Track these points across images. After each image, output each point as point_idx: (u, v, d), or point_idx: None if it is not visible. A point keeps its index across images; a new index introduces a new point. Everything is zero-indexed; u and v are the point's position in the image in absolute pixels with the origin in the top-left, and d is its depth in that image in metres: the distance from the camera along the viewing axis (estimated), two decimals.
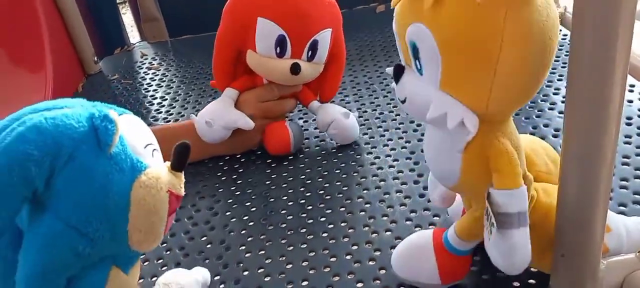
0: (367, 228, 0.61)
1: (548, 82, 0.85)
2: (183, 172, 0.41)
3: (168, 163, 0.41)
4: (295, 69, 0.70)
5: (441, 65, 0.39)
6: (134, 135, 0.38)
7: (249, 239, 0.63)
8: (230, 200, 0.71)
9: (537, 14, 0.37)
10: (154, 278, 0.62)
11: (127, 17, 1.42)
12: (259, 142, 0.79)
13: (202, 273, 0.53)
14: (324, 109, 0.77)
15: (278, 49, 0.70)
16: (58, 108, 0.36)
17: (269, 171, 0.75)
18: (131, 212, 0.37)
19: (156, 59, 1.22)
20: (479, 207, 0.45)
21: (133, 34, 1.40)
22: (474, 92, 0.39)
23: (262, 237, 0.63)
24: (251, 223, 0.66)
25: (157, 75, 1.14)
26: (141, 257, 0.44)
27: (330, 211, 0.65)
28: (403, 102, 0.43)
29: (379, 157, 0.74)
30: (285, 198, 0.69)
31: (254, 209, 0.68)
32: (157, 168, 0.39)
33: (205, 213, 0.69)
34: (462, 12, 0.37)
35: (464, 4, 0.37)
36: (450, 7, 0.37)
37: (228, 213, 0.68)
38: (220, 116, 0.73)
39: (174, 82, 1.10)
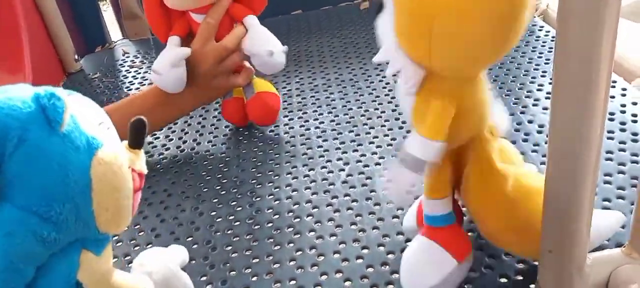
0: (354, 226, 0.61)
1: (531, 77, 0.85)
2: (142, 149, 0.40)
3: (125, 141, 0.40)
4: None
5: (394, 15, 0.42)
6: (85, 113, 0.37)
7: (235, 239, 0.62)
8: (216, 200, 0.70)
9: None
10: (127, 257, 0.62)
11: (109, 15, 1.40)
12: (228, 86, 0.80)
13: (179, 252, 0.51)
14: (251, 37, 0.75)
15: None
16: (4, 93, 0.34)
17: (254, 169, 0.75)
18: (94, 190, 0.35)
19: (138, 57, 1.20)
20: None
21: (114, 32, 1.38)
22: (416, 47, 0.41)
23: (248, 236, 0.62)
24: (237, 223, 0.65)
25: (139, 72, 1.12)
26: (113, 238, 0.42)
27: (316, 209, 0.65)
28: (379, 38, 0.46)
29: (365, 155, 0.74)
30: (270, 196, 0.68)
31: (239, 208, 0.67)
32: (114, 145, 0.37)
33: (191, 214, 0.68)
34: None
35: None
36: None
37: (213, 213, 0.68)
38: (163, 58, 0.74)
39: None
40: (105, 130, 0.38)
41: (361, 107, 0.86)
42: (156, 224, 0.68)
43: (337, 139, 0.79)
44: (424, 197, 0.50)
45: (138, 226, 0.68)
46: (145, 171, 0.40)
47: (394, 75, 0.44)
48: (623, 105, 0.73)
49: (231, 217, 0.66)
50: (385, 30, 0.44)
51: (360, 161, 0.72)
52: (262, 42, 0.75)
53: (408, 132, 0.76)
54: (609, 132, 0.68)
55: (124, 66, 1.17)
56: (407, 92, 0.44)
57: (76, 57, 1.18)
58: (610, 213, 0.51)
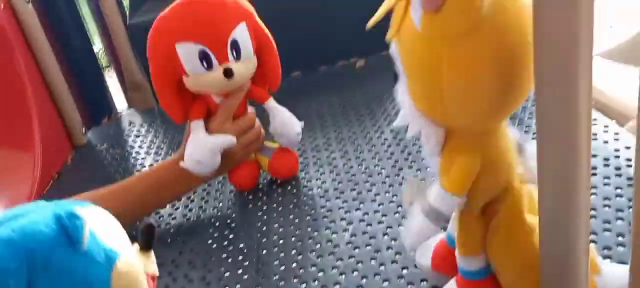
0: None
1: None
2: (152, 250, 0.42)
3: (136, 245, 0.42)
4: (227, 73, 0.74)
5: (406, 82, 0.44)
6: (100, 224, 0.39)
7: None
8: (222, 268, 0.71)
9: (483, 43, 0.39)
10: None
11: (113, 81, 1.44)
12: (246, 157, 0.85)
13: None
14: (279, 119, 0.83)
15: (204, 63, 0.74)
16: (21, 216, 0.36)
17: (259, 235, 0.76)
18: None
19: (144, 126, 1.23)
20: (470, 209, 0.48)
21: (119, 100, 1.42)
22: (431, 108, 0.44)
23: None
24: (245, 277, 0.67)
25: (146, 142, 1.15)
26: None
27: (322, 273, 0.66)
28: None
29: (368, 213, 0.75)
30: (276, 262, 0.69)
31: (246, 276, 0.68)
32: (129, 253, 0.39)
33: (198, 284, 0.70)
34: (409, 40, 0.42)
35: (411, 33, 0.41)
36: (405, 34, 0.42)
37: (221, 281, 0.69)
38: (203, 148, 0.76)
39: (162, 148, 1.11)
40: (119, 237, 0.40)
41: (361, 165, 0.87)
42: (168, 282, 0.69)
43: (339, 198, 0.80)
44: (457, 253, 0.51)
45: None
46: (157, 273, 0.42)
47: (414, 136, 0.46)
48: (617, 150, 0.74)
49: (238, 285, 0.67)
50: (403, 96, 0.46)
51: (363, 220, 0.74)
52: (291, 125, 0.83)
53: None
54: (605, 177, 0.69)
55: (131, 136, 1.20)
56: (431, 152, 0.46)
57: (83, 129, 1.22)
58: (619, 266, 0.52)
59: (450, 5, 0.37)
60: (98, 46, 1.63)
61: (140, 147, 1.14)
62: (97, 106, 1.34)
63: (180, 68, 0.75)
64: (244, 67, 0.77)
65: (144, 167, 1.05)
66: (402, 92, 0.46)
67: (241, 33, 0.76)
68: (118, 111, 1.35)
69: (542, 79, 0.36)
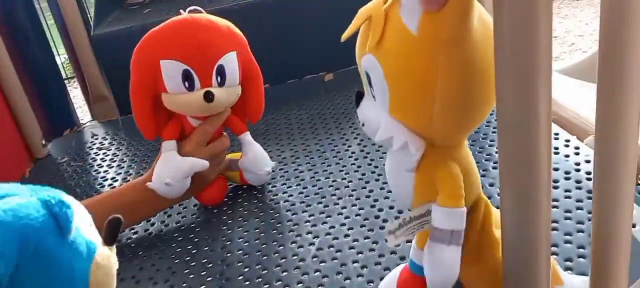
0: None
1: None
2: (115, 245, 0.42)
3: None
4: (208, 97, 0.73)
5: (388, 93, 0.43)
6: (80, 214, 0.38)
7: None
8: (185, 284, 0.69)
9: (474, 50, 0.40)
10: None
11: (77, 92, 1.40)
12: (211, 179, 0.83)
13: None
14: (253, 157, 0.83)
15: (186, 83, 0.73)
16: (8, 196, 0.35)
17: (223, 249, 0.74)
18: None
19: (107, 138, 1.20)
20: None
21: (84, 112, 1.39)
22: (417, 118, 0.43)
23: None
24: None
25: (108, 155, 1.12)
26: None
27: (287, 287, 0.64)
28: (363, 125, 0.48)
29: (334, 227, 0.74)
30: (240, 277, 0.68)
31: (210, 279, 0.67)
32: (103, 247, 0.39)
33: (162, 286, 0.68)
34: (401, 47, 0.41)
35: (403, 39, 0.41)
36: (391, 41, 0.41)
37: (184, 285, 0.68)
38: (175, 171, 0.74)
39: (125, 161, 1.08)
40: (94, 230, 0.39)
41: (329, 178, 0.87)
42: None
43: (306, 211, 0.79)
44: (416, 248, 0.51)
45: None
46: (116, 266, 0.41)
47: (399, 149, 0.45)
48: (577, 164, 0.76)
49: None
50: (372, 115, 0.46)
51: (329, 234, 0.73)
52: (262, 164, 0.83)
53: (376, 201, 0.78)
54: (566, 190, 0.71)
55: (93, 149, 1.17)
56: (410, 167, 0.45)
57: (43, 141, 1.18)
58: (579, 278, 0.52)
59: (450, 8, 0.38)
60: (64, 57, 1.59)
61: (102, 160, 1.10)
62: (59, 118, 1.30)
63: (160, 85, 0.73)
64: (226, 94, 0.76)
65: (106, 180, 1.02)
66: (371, 110, 0.46)
67: (230, 61, 0.75)
68: (81, 123, 1.32)
69: (502, 93, 0.37)
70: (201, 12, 0.76)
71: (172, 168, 0.75)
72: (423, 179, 0.46)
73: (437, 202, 0.45)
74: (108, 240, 0.40)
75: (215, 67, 0.74)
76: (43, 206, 0.35)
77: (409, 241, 0.51)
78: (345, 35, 0.46)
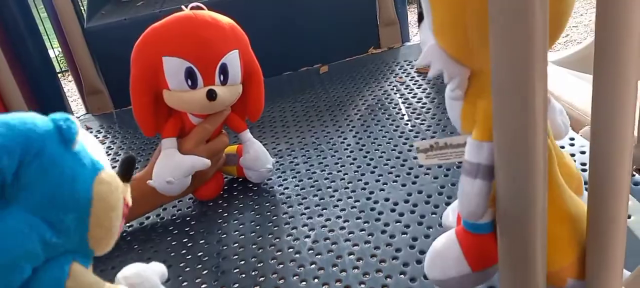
0: None
1: None
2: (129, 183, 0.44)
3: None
4: (211, 95, 0.72)
5: (431, 14, 0.42)
6: (88, 139, 0.41)
7: None
8: (180, 277, 0.69)
9: None
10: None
11: (73, 87, 1.40)
12: (209, 177, 0.83)
13: (160, 267, 0.52)
14: (253, 154, 0.82)
15: (189, 81, 0.72)
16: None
17: (218, 243, 0.74)
18: (93, 206, 0.38)
19: (101, 132, 1.20)
20: None
21: (78, 105, 1.38)
22: (455, 42, 0.42)
23: None
24: (204, 285, 0.66)
25: (103, 148, 1.11)
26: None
27: (283, 280, 0.64)
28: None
29: (330, 219, 0.74)
30: (236, 271, 0.68)
31: (204, 285, 0.66)
32: (112, 171, 0.41)
33: None
34: None
35: None
36: None
37: (180, 278, 0.68)
38: (176, 169, 0.74)
39: (120, 154, 1.08)
40: (104, 157, 0.41)
41: (324, 171, 0.87)
42: None
43: (301, 204, 0.79)
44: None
45: None
46: (130, 203, 0.43)
47: (436, 77, 0.44)
48: (572, 155, 0.76)
49: (197, 280, 0.66)
50: (425, 36, 0.45)
51: (325, 226, 0.73)
52: (263, 161, 0.83)
53: (371, 193, 0.78)
54: None
55: None
56: (453, 95, 0.44)
57: None
58: None
59: None
60: (57, 50, 1.58)
61: None
62: (53, 111, 1.28)
63: (162, 81, 0.72)
64: (229, 92, 0.76)
65: None
66: (426, 30, 0.44)
67: (232, 59, 0.75)
68: (76, 116, 1.31)
69: (498, 84, 0.36)
70: (203, 9, 0.75)
71: (173, 166, 0.74)
72: (467, 109, 0.45)
73: (472, 134, 0.44)
74: (122, 176, 0.42)
75: (219, 65, 0.73)
76: (50, 120, 0.37)
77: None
78: None
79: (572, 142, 0.79)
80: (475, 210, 0.44)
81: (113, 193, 0.40)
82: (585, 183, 0.69)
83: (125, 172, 0.43)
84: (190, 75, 0.72)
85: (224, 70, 0.74)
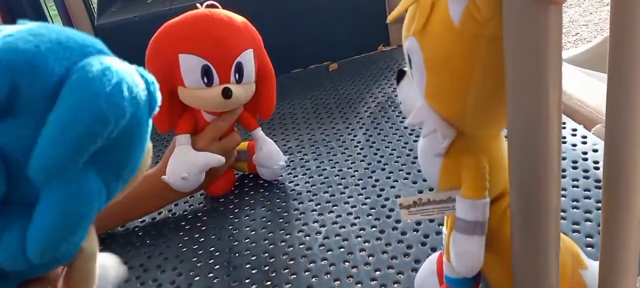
0: None
1: None
2: None
3: None
4: (226, 93, 0.73)
5: (426, 79, 0.43)
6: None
7: None
8: (192, 272, 0.69)
9: None
10: None
11: None
12: (221, 173, 0.83)
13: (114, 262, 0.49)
14: (266, 152, 0.83)
15: (205, 78, 0.73)
16: (104, 53, 0.33)
17: (230, 238, 0.75)
18: (136, 174, 0.36)
19: None
20: None
21: None
22: (450, 107, 0.43)
23: None
24: (216, 280, 0.66)
25: None
26: None
27: (294, 276, 0.65)
28: (400, 103, 0.48)
29: (340, 216, 0.74)
30: (248, 266, 0.68)
31: (216, 280, 0.67)
32: None
33: (170, 274, 0.69)
34: (444, 35, 0.40)
35: (446, 29, 0.40)
36: (436, 28, 0.41)
37: (192, 273, 0.68)
38: (191, 165, 0.74)
39: None
40: None
41: (335, 168, 0.87)
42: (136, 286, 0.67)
43: (312, 200, 0.79)
44: (445, 259, 0.50)
45: None
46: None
47: (426, 135, 0.45)
48: (585, 153, 0.76)
49: (210, 274, 0.67)
50: (409, 95, 0.46)
51: (336, 223, 0.73)
52: (276, 159, 0.83)
53: (382, 190, 0.78)
54: (573, 179, 0.71)
55: None
56: (439, 152, 0.46)
57: None
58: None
59: (495, 7, 0.37)
60: None
61: None
62: None
63: (178, 78, 0.73)
64: (243, 90, 0.76)
65: None
66: (408, 91, 0.46)
67: (247, 58, 0.75)
68: None
69: (512, 83, 0.36)
70: (217, 7, 0.76)
71: (187, 163, 0.74)
72: (449, 165, 0.46)
73: (461, 193, 0.45)
74: None
75: (234, 64, 0.74)
76: (146, 84, 0.34)
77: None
78: (391, 17, 0.45)
79: (584, 140, 0.79)
80: (477, 266, 0.46)
81: (148, 166, 0.38)
82: (598, 181, 0.69)
83: None
84: (206, 73, 0.72)
85: (239, 69, 0.75)
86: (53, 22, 1.32)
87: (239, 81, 0.75)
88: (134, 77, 0.33)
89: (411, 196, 0.48)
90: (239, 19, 0.76)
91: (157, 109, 0.35)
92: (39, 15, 1.29)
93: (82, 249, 0.37)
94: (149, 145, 0.37)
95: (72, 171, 0.30)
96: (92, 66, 0.30)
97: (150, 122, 0.36)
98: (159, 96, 0.35)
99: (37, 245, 0.30)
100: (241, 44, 0.75)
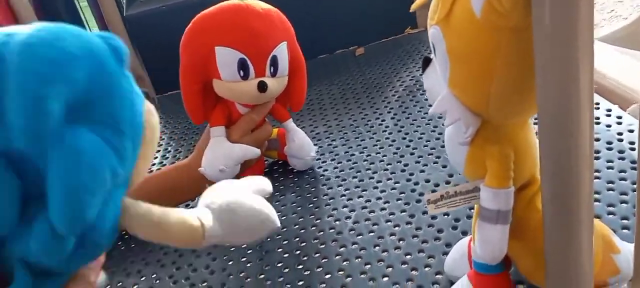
0: (364, 275, 0.61)
1: None
2: None
3: None
4: (262, 87, 0.73)
5: (449, 68, 0.43)
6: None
7: None
8: (225, 257, 0.71)
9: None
10: None
11: None
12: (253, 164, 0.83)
13: (258, 181, 0.47)
14: (298, 143, 0.83)
15: (241, 72, 0.73)
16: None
17: None
18: (144, 135, 0.35)
19: None
20: None
21: None
22: (474, 97, 0.43)
23: None
24: (248, 280, 0.66)
25: None
26: None
27: (326, 260, 0.65)
28: (426, 91, 0.49)
29: (370, 200, 0.75)
30: (280, 250, 0.69)
31: (249, 264, 0.68)
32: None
33: (202, 273, 0.69)
34: (466, 26, 0.40)
35: (468, 20, 0.40)
36: (458, 19, 0.41)
37: (224, 271, 0.69)
38: (228, 158, 0.75)
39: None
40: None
41: (363, 153, 0.87)
42: (169, 285, 0.69)
43: (341, 185, 0.80)
44: (472, 245, 0.51)
45: None
46: None
47: (450, 124, 0.45)
48: (620, 134, 0.74)
49: (242, 274, 0.67)
50: (435, 83, 0.46)
51: (365, 207, 0.73)
52: (307, 150, 0.84)
53: (412, 174, 0.78)
54: (608, 161, 0.69)
55: None
56: (463, 141, 0.46)
57: None
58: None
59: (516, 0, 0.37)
60: None
61: None
62: None
63: (213, 71, 0.73)
64: (278, 84, 0.77)
65: None
66: (434, 79, 0.46)
67: (282, 51, 0.76)
68: None
69: (542, 64, 0.36)
70: None
71: (224, 155, 0.75)
72: (475, 153, 0.46)
73: (485, 182, 0.45)
74: None
75: (270, 57, 0.74)
76: (97, 37, 0.34)
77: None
78: (415, 5, 0.45)
79: (619, 121, 0.77)
80: (500, 254, 0.46)
81: (157, 127, 0.37)
82: (634, 162, 0.67)
83: None
84: (242, 66, 0.73)
85: (274, 62, 0.75)
86: (83, 14, 1.35)
87: (273, 74, 0.75)
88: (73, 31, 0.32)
89: (438, 191, 0.48)
90: (273, 10, 0.76)
91: (126, 59, 0.34)
92: (70, 7, 1.32)
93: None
94: (148, 105, 0.36)
95: (59, 133, 0.30)
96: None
97: (129, 74, 0.35)
98: (124, 47, 0.34)
99: (60, 216, 0.31)
100: (276, 37, 0.75)
